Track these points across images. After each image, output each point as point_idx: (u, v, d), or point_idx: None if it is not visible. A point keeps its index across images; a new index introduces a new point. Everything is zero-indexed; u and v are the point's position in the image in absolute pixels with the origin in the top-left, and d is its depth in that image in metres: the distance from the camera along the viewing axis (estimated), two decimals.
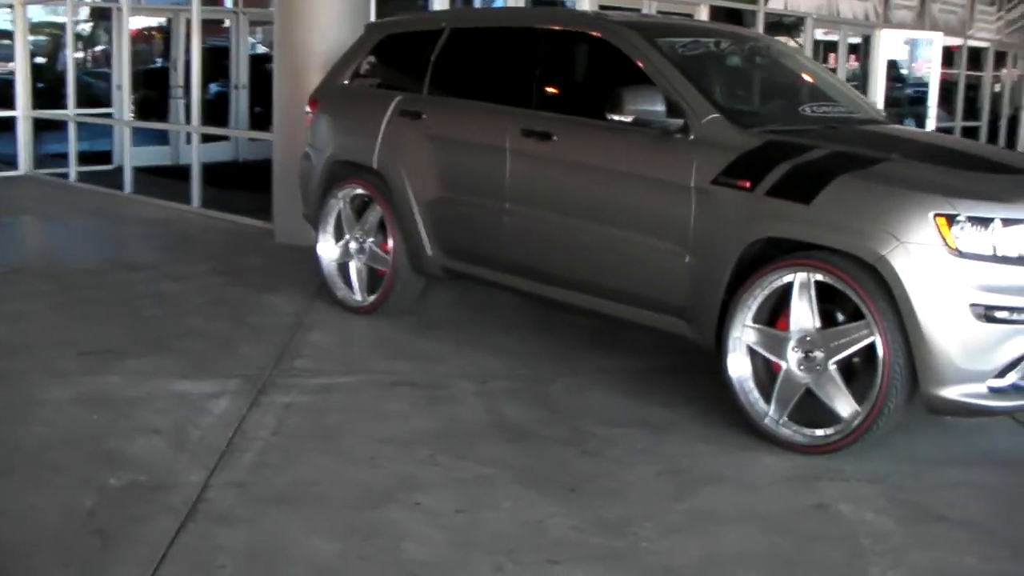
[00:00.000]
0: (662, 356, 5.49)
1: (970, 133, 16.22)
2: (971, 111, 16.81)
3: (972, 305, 3.91)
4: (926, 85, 15.74)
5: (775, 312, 4.40)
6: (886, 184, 4.12)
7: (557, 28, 5.49)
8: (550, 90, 5.44)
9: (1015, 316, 3.93)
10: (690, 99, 4.70)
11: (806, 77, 5.79)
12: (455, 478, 3.95)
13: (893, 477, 4.08)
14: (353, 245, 6.19)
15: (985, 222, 3.95)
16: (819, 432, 4.25)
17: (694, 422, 4.61)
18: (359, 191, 6.14)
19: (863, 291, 4.05)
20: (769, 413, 4.35)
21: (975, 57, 16.81)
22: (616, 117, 4.70)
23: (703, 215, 4.53)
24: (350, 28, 7.69)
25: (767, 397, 4.38)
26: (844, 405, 4.17)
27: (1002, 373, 3.98)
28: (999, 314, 3.92)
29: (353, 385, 4.98)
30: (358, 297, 6.19)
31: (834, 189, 4.15)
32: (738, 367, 4.43)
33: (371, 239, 6.09)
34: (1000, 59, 17.26)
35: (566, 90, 5.52)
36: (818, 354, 4.21)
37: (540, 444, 4.32)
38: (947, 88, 15.93)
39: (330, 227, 6.30)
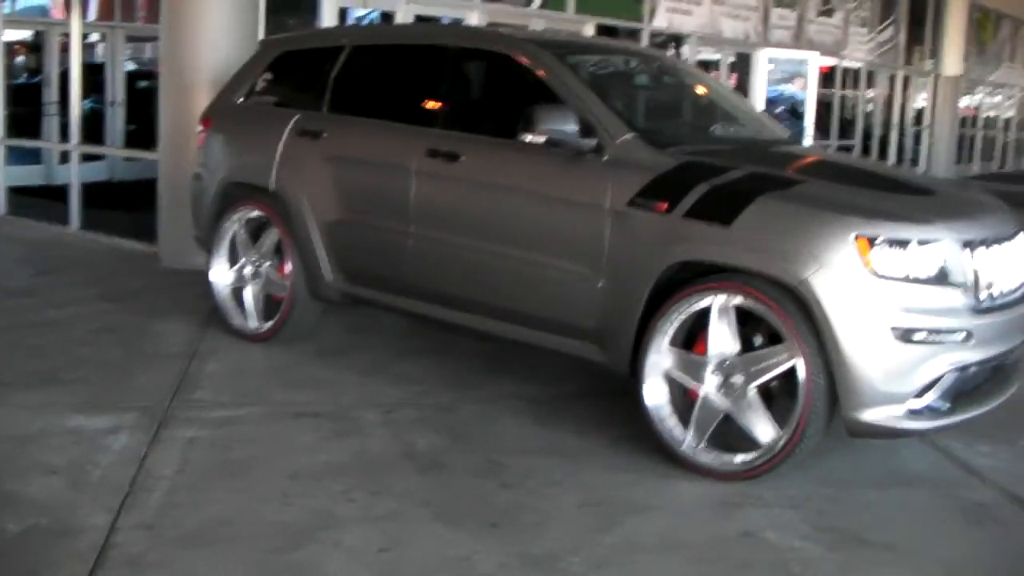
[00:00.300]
0: (566, 382, 5.43)
1: (844, 151, 16.74)
2: (845, 130, 17.34)
3: (892, 327, 3.92)
4: (803, 103, 16.21)
5: (691, 336, 4.36)
6: (806, 205, 4.12)
7: (465, 46, 5.39)
8: (457, 109, 5.32)
9: (932, 337, 3.96)
10: (603, 119, 4.64)
11: (712, 97, 5.80)
12: (373, 515, 3.79)
13: (813, 501, 4.08)
14: (248, 270, 5.96)
15: (903, 243, 3.99)
16: (738, 458, 4.21)
17: (608, 450, 4.55)
18: (255, 213, 5.91)
19: (784, 314, 4.03)
20: (687, 439, 4.29)
21: (851, 77, 17.38)
22: (528, 137, 4.60)
23: (618, 238, 4.46)
24: (239, 44, 7.49)
25: (684, 423, 4.33)
26: (765, 430, 4.15)
27: (920, 394, 4.00)
28: (917, 336, 3.95)
29: (256, 417, 4.77)
30: (253, 324, 5.95)
31: (754, 211, 4.13)
32: (655, 392, 4.37)
33: (268, 263, 5.86)
34: (871, 79, 17.85)
35: (474, 109, 5.42)
36: (737, 379, 4.18)
37: (455, 476, 4.20)
38: (823, 107, 16.42)
39: (224, 251, 6.06)
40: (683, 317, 4.31)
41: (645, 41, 12.12)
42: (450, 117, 5.27)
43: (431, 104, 5.32)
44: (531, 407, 5.05)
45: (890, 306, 3.94)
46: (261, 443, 4.44)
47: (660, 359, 4.35)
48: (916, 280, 3.99)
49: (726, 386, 4.21)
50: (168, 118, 7.79)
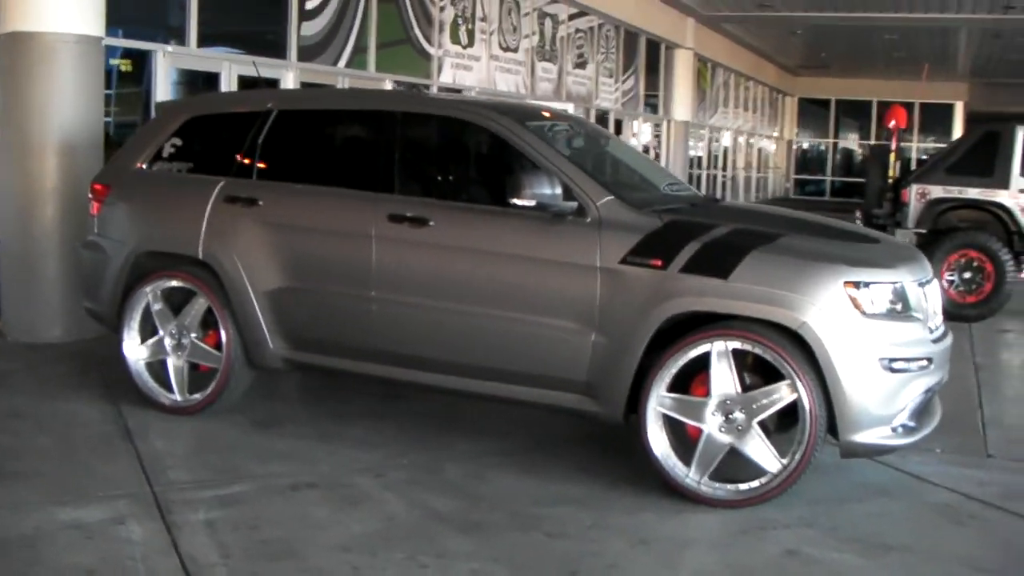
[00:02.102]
0: (522, 435, 5.64)
1: None
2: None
3: (880, 358, 4.46)
4: None
5: (682, 380, 4.70)
6: (796, 257, 4.59)
7: (421, 112, 5.47)
8: (418, 175, 5.39)
9: (909, 365, 4.54)
10: (581, 182, 4.90)
11: (637, 158, 6.20)
12: None
13: (820, 519, 4.51)
14: (169, 341, 5.70)
15: (881, 286, 4.54)
16: (743, 487, 4.59)
17: (613, 492, 4.78)
18: (175, 283, 5.68)
19: (785, 354, 4.46)
20: (689, 474, 4.63)
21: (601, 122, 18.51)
22: (520, 202, 4.79)
23: (611, 294, 4.72)
24: (88, 106, 7.16)
25: (685, 460, 4.65)
26: (770, 460, 4.55)
27: (900, 415, 4.56)
28: (897, 364, 4.51)
29: (254, 494, 4.61)
30: (178, 397, 5.70)
31: (749, 264, 4.54)
32: (656, 436, 4.67)
33: (193, 334, 5.65)
34: (619, 126, 19.06)
35: (437, 175, 5.51)
36: (739, 416, 4.56)
37: (499, 534, 4.28)
38: None
39: (135, 324, 5.77)
40: (680, 364, 4.65)
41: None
42: (410, 183, 5.33)
43: (386, 170, 5.30)
44: (508, 461, 5.17)
45: (877, 340, 4.48)
46: (283, 521, 4.31)
47: (660, 405, 4.66)
48: (894, 317, 4.56)
49: (727, 423, 4.59)
50: (12, 185, 7.24)
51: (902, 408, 4.56)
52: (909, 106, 31.24)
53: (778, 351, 4.48)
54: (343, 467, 4.99)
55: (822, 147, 35.65)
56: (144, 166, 5.94)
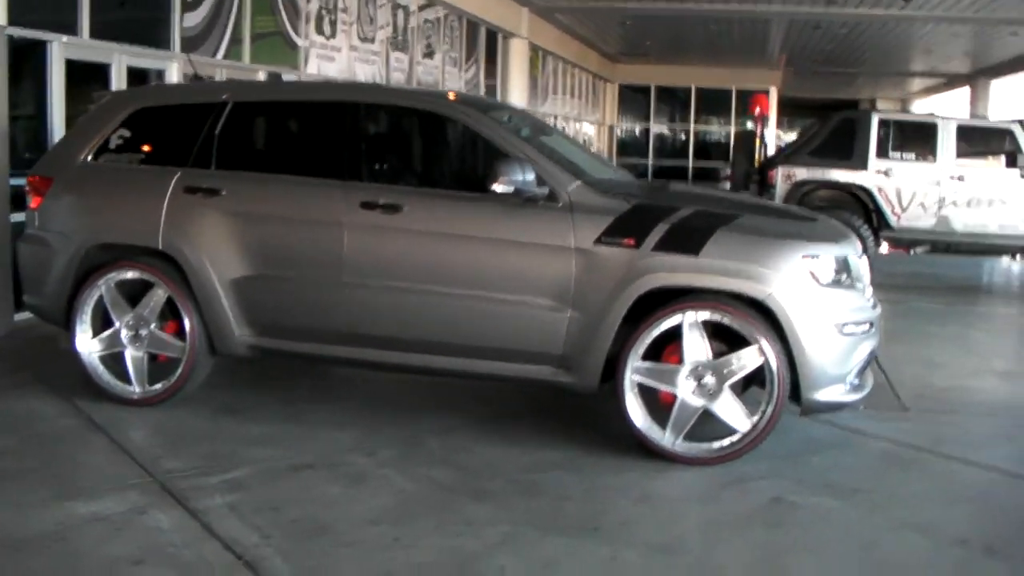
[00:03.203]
0: (483, 408, 5.91)
1: None
2: None
3: (835, 323, 4.96)
4: None
5: (653, 350, 5.08)
6: (759, 235, 5.03)
7: (386, 103, 5.63)
8: (386, 164, 5.56)
9: (858, 328, 5.06)
10: (550, 169, 5.20)
11: (579, 147, 6.51)
12: (496, 541, 4.07)
13: (786, 471, 4.98)
14: (126, 333, 5.67)
15: (833, 258, 5.04)
16: (716, 445, 5.01)
17: (589, 456, 5.11)
18: (131, 275, 5.66)
19: (752, 322, 4.91)
20: (665, 436, 5.02)
21: None
22: (499, 188, 5.04)
23: (586, 272, 5.04)
24: None
25: (660, 424, 5.04)
26: (741, 420, 4.99)
27: (850, 375, 5.09)
28: (848, 328, 5.02)
29: (257, 477, 4.70)
30: (137, 389, 5.67)
31: (717, 241, 4.95)
32: (633, 402, 5.04)
33: (153, 324, 5.64)
34: None
35: (405, 163, 5.67)
36: (710, 380, 4.98)
37: (509, 499, 4.55)
38: None
39: (87, 317, 5.71)
40: (654, 335, 5.03)
41: None
42: (378, 171, 5.51)
43: (353, 159, 5.45)
44: (482, 433, 5.43)
45: (831, 307, 4.98)
46: (300, 501, 4.43)
47: (636, 373, 5.03)
48: (844, 286, 5.07)
49: (699, 387, 5.00)
50: None
51: (852, 368, 5.08)
52: (727, 92, 33.05)
53: (746, 319, 4.92)
54: (329, 447, 5.13)
55: (638, 132, 36.97)
56: (89, 158, 5.85)
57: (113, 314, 5.68)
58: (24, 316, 7.75)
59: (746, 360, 4.96)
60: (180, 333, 5.64)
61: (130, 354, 5.67)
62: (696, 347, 4.98)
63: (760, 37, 24.80)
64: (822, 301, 4.95)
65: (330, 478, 4.73)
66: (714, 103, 34.25)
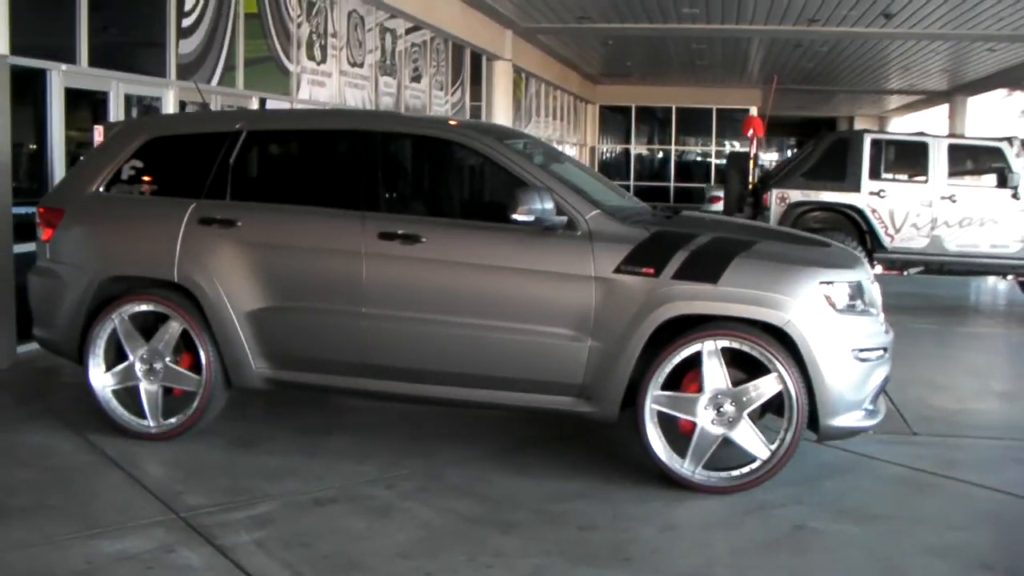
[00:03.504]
0: (496, 438, 5.92)
1: None
2: None
3: (852, 349, 5.01)
4: None
5: (672, 378, 5.12)
6: (777, 261, 5.08)
7: (403, 132, 5.65)
8: (403, 193, 5.58)
9: (874, 355, 5.11)
10: (569, 197, 5.23)
11: (592, 174, 6.54)
12: (528, 575, 4.09)
13: (805, 498, 5.02)
14: (140, 366, 5.65)
15: (849, 284, 5.10)
16: (735, 473, 5.05)
17: (609, 485, 5.14)
18: (145, 307, 5.65)
19: (771, 349, 4.95)
20: (684, 465, 5.05)
21: None
22: (520, 218, 5.07)
23: (606, 301, 5.08)
24: None
25: (680, 452, 5.07)
26: (760, 448, 5.02)
27: (866, 401, 5.14)
28: (864, 354, 5.07)
29: (282, 512, 4.70)
30: (151, 423, 5.65)
31: (735, 269, 5.00)
32: (653, 431, 5.07)
33: (168, 358, 5.63)
34: None
35: (423, 193, 5.69)
36: (729, 408, 5.01)
37: (536, 530, 4.56)
38: None
39: (101, 351, 5.70)
40: (674, 363, 5.06)
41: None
42: (396, 201, 5.52)
43: (369, 189, 5.47)
44: (499, 464, 5.45)
45: (849, 333, 5.03)
46: (327, 535, 4.43)
47: (656, 402, 5.06)
48: (860, 312, 5.12)
49: (718, 416, 5.04)
50: None
51: (869, 394, 5.13)
52: (708, 111, 33.27)
53: (765, 347, 4.96)
54: (350, 480, 5.13)
55: (619, 153, 37.15)
56: (101, 188, 5.85)
57: (127, 347, 5.67)
58: (27, 348, 7.73)
59: (765, 387, 5.00)
60: (195, 366, 5.63)
61: (144, 388, 5.65)
62: (715, 375, 5.02)
63: (741, 56, 25.03)
64: (839, 327, 5.00)
65: (355, 511, 4.73)
66: (695, 123, 34.49)
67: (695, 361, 5.05)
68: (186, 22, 10.00)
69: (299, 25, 12.60)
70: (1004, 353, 9.79)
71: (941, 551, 4.43)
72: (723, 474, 5.06)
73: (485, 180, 5.63)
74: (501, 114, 21.66)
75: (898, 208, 10.86)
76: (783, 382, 4.96)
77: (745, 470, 5.04)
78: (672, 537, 4.55)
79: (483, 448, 5.72)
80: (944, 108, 32.23)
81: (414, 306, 5.30)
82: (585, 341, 5.11)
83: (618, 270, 5.08)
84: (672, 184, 34.67)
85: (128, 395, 5.71)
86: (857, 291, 5.15)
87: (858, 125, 42.77)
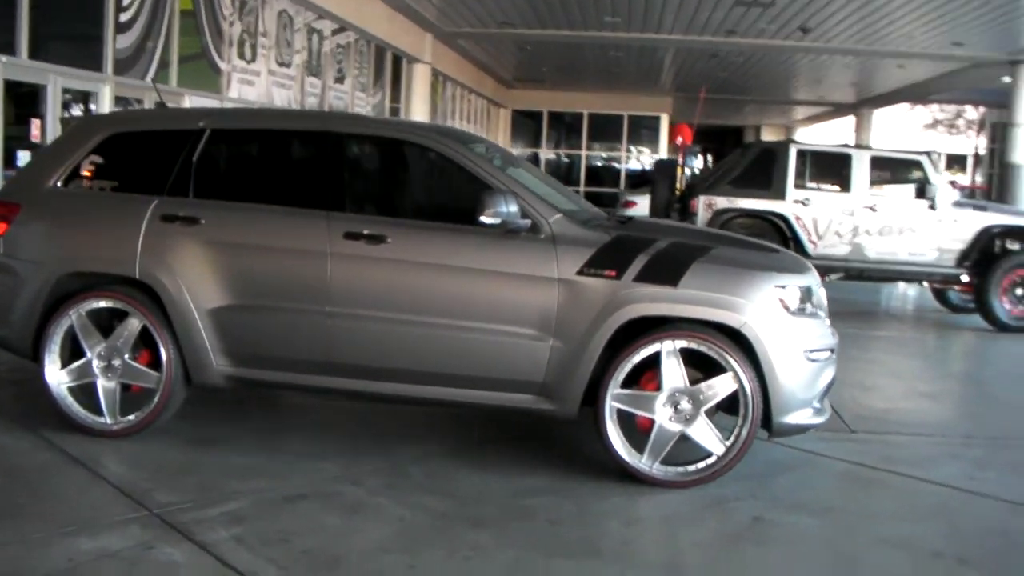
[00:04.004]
0: (452, 436, 6.03)
1: None
2: None
3: (804, 350, 5.26)
4: None
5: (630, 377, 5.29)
6: (734, 266, 5.30)
7: (367, 134, 5.71)
8: (368, 194, 5.64)
9: (823, 355, 5.37)
10: (532, 202, 5.38)
11: (547, 179, 6.65)
12: (505, 564, 4.22)
13: (758, 492, 5.23)
14: (98, 363, 5.61)
15: (800, 288, 5.34)
16: (691, 468, 5.25)
17: (570, 480, 5.28)
18: (104, 304, 5.61)
19: (727, 350, 5.16)
20: (642, 460, 5.23)
21: None
22: (487, 220, 5.19)
23: (568, 302, 5.22)
24: None
25: (638, 448, 5.25)
26: (716, 444, 5.23)
27: (815, 399, 5.39)
28: (815, 355, 5.32)
29: (255, 509, 4.71)
30: (108, 420, 5.61)
31: (694, 273, 5.20)
32: (612, 429, 5.24)
33: (127, 355, 5.61)
34: None
35: (387, 194, 5.76)
36: (686, 406, 5.21)
37: (507, 525, 4.67)
38: None
39: (56, 348, 5.64)
40: (634, 363, 5.24)
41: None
42: (360, 202, 5.58)
43: (333, 189, 5.51)
44: (460, 461, 5.54)
45: (801, 335, 5.26)
46: (304, 532, 4.46)
47: (616, 400, 5.23)
48: (811, 314, 5.37)
49: (676, 413, 5.23)
50: None
51: (818, 392, 5.39)
52: (619, 118, 33.74)
53: (721, 347, 5.17)
54: (316, 477, 5.17)
55: (528, 156, 37.41)
56: (59, 184, 5.80)
57: (84, 344, 5.62)
58: None
59: (721, 386, 5.21)
60: (154, 363, 5.61)
61: (102, 385, 5.61)
62: (674, 374, 5.21)
63: (656, 65, 25.51)
64: (791, 329, 5.23)
65: (326, 508, 4.78)
66: (606, 129, 34.91)
67: (653, 361, 5.23)
68: (123, 17, 9.91)
69: (231, 24, 12.54)
70: (922, 356, 10.24)
71: (894, 541, 4.68)
72: (680, 469, 5.25)
73: (449, 183, 5.72)
74: (419, 116, 21.76)
75: (821, 216, 11.27)
76: (739, 381, 5.16)
77: (701, 465, 5.24)
78: (638, 530, 4.73)
79: (441, 445, 5.82)
80: (850, 120, 33.27)
81: (379, 305, 5.37)
82: (547, 341, 5.25)
83: (581, 272, 5.23)
84: (582, 188, 35.05)
85: (84, 392, 5.66)
86: (807, 295, 5.40)
87: (765, 135, 43.95)
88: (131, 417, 5.62)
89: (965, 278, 11.23)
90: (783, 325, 5.21)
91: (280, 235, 5.50)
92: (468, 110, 29.39)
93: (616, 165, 35.46)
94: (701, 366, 5.27)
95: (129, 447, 5.51)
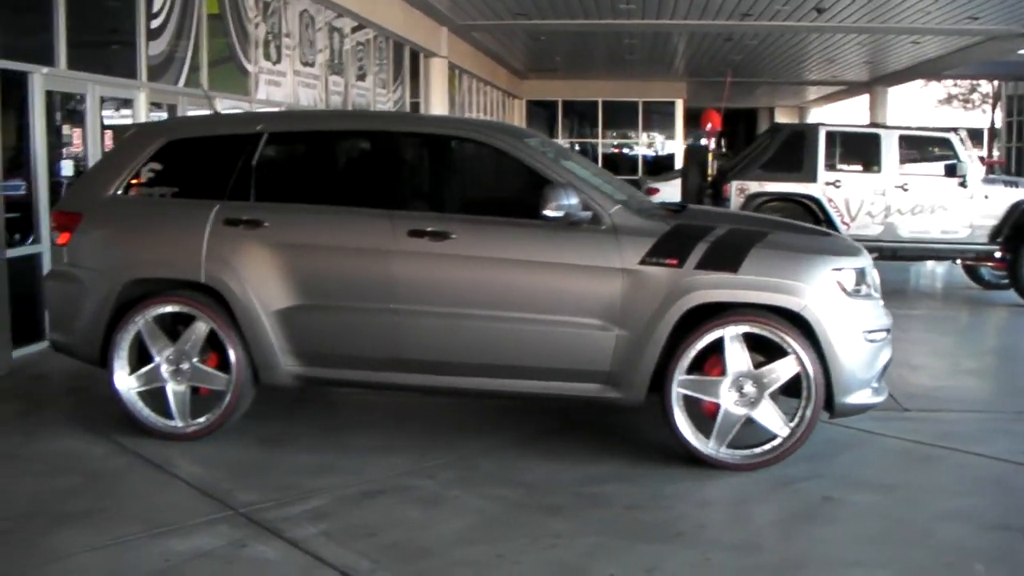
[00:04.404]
0: (514, 427, 6.11)
1: None
2: None
3: (863, 331, 5.34)
4: None
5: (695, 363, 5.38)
6: (792, 250, 5.39)
7: (424, 132, 5.79)
8: (428, 192, 5.75)
9: (879, 335, 5.45)
10: (592, 193, 5.47)
11: (599, 170, 6.73)
12: (588, 550, 4.31)
13: (823, 472, 5.34)
14: (166, 367, 5.72)
15: (856, 271, 5.42)
16: (757, 451, 5.34)
17: (637, 467, 5.39)
18: (170, 309, 5.72)
19: (789, 333, 5.24)
20: (709, 444, 5.33)
21: None
22: (550, 213, 5.28)
23: (631, 292, 5.31)
24: None
25: (704, 432, 5.34)
26: (780, 426, 5.32)
27: (874, 379, 5.47)
28: (872, 336, 5.40)
29: (336, 504, 4.82)
30: (179, 423, 5.72)
31: (753, 258, 5.28)
32: (679, 414, 5.33)
33: (196, 358, 5.71)
34: None
35: (448, 191, 5.85)
36: (751, 390, 5.30)
37: (580, 512, 4.78)
38: None
39: (124, 353, 5.75)
40: (698, 349, 5.32)
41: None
42: (421, 200, 5.69)
43: (393, 188, 5.63)
44: (527, 451, 5.65)
45: (858, 316, 5.35)
46: (389, 526, 4.57)
47: (681, 386, 5.32)
48: (866, 295, 5.45)
49: (741, 397, 5.32)
50: None
51: (876, 372, 5.47)
52: (633, 105, 33.72)
53: (782, 331, 5.25)
54: (388, 472, 5.27)
55: None
56: (119, 192, 5.90)
57: (152, 349, 5.73)
58: (22, 353, 7.71)
59: (784, 369, 5.29)
60: (221, 366, 5.72)
61: (171, 388, 5.72)
62: (738, 358, 5.29)
63: (671, 50, 25.51)
64: (849, 311, 5.31)
65: (404, 502, 4.89)
66: (620, 116, 34.88)
67: (716, 346, 5.32)
68: (154, 23, 9.98)
69: (256, 25, 12.61)
70: (961, 334, 10.31)
71: (959, 515, 4.77)
72: (747, 452, 5.34)
73: (508, 178, 5.81)
74: (438, 110, 21.79)
75: (853, 197, 11.32)
76: (801, 363, 5.25)
77: (767, 447, 5.33)
78: (712, 513, 4.83)
79: (503, 438, 5.91)
80: (864, 98, 33.21)
81: (445, 301, 5.46)
82: (612, 330, 5.33)
83: (643, 261, 5.32)
84: None
85: (152, 397, 5.77)
86: (862, 276, 5.47)
87: (778, 116, 43.84)
88: (201, 419, 5.74)
89: (998, 254, 11.26)
90: (841, 307, 5.29)
91: (344, 235, 5.59)
92: (484, 102, 29.39)
93: (632, 152, 35.45)
94: (761, 350, 5.36)
95: (200, 448, 5.62)
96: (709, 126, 13.60)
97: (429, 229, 5.47)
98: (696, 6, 18.28)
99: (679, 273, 5.29)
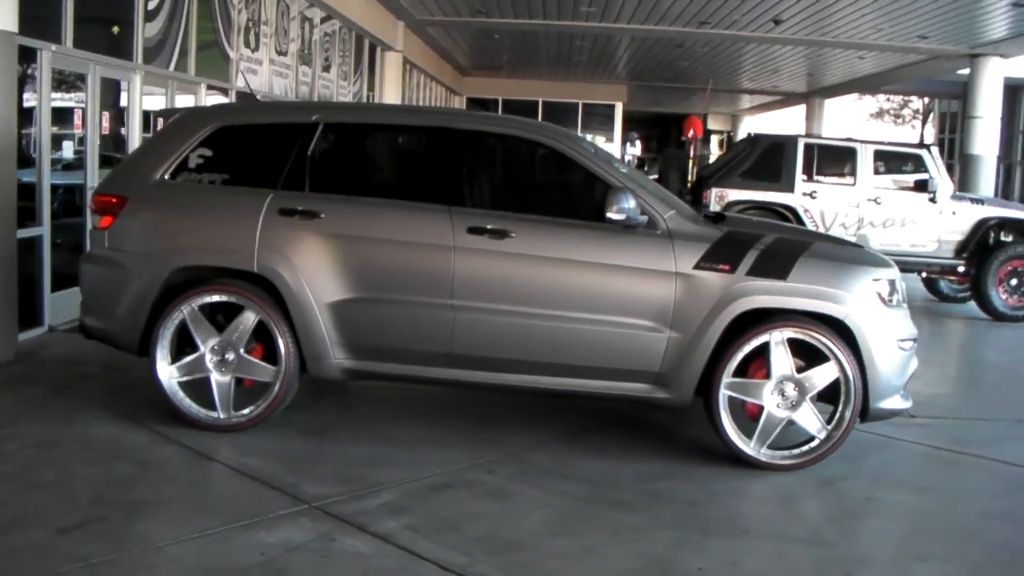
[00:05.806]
0: (560, 424, 6.23)
1: None
2: None
3: (897, 339, 5.59)
4: None
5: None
6: (834, 260, 5.63)
7: (484, 130, 5.83)
8: (487, 189, 5.82)
9: (911, 344, 5.72)
10: (648, 198, 5.61)
11: (642, 175, 6.87)
12: (672, 546, 4.46)
13: (859, 473, 5.58)
14: (211, 357, 5.70)
15: (890, 281, 5.67)
16: (797, 451, 5.56)
17: (685, 465, 5.56)
18: (218, 298, 5.70)
19: (831, 339, 5.47)
20: (751, 445, 5.53)
21: None
22: (613, 216, 5.41)
23: (685, 295, 5.48)
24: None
25: (747, 433, 5.54)
26: (819, 427, 5.54)
27: (903, 386, 5.74)
28: (904, 344, 5.66)
29: (409, 498, 4.86)
30: (221, 415, 5.69)
31: (801, 267, 5.50)
32: (724, 415, 5.52)
33: (242, 349, 5.71)
34: None
35: (507, 189, 5.94)
36: (792, 393, 5.51)
37: (647, 508, 4.92)
38: None
39: (167, 342, 5.70)
40: (745, 352, 5.52)
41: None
42: (480, 197, 5.75)
43: (455, 184, 5.69)
44: (577, 448, 5.78)
45: (892, 324, 5.60)
46: (469, 519, 4.65)
47: (728, 388, 5.51)
48: (898, 305, 5.71)
49: (783, 399, 5.53)
50: None
51: (906, 379, 5.74)
52: (574, 106, 33.96)
53: (825, 337, 5.47)
54: (445, 467, 5.32)
55: None
56: (167, 176, 5.85)
57: (197, 338, 5.68)
58: (27, 336, 7.58)
59: (825, 374, 5.51)
60: (267, 357, 5.72)
61: (216, 379, 5.68)
62: (782, 363, 5.50)
63: (618, 54, 25.80)
64: (886, 319, 5.57)
65: (475, 496, 4.96)
66: (560, 117, 35.00)
67: (760, 350, 5.51)
68: (151, 4, 9.85)
69: (239, 12, 12.50)
70: (935, 344, 10.63)
71: (998, 515, 5.07)
72: (786, 452, 5.55)
73: (567, 179, 5.92)
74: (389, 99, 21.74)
75: (828, 208, 11.68)
76: (842, 368, 5.48)
77: (805, 448, 5.55)
78: (771, 510, 5.03)
79: (546, 434, 6.02)
80: (798, 109, 33.99)
81: (503, 298, 5.54)
82: (664, 332, 5.49)
83: (698, 266, 5.49)
84: None
85: (192, 387, 5.74)
86: (894, 287, 5.72)
87: (711, 123, 44.54)
88: (245, 411, 5.71)
89: (962, 268, 11.73)
90: (879, 316, 5.54)
91: (403, 230, 5.61)
92: (430, 98, 29.37)
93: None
94: (802, 355, 5.56)
95: (245, 439, 5.60)
96: (691, 133, 13.86)
97: (489, 227, 5.55)
98: (656, 11, 18.54)
99: (731, 279, 5.48)
